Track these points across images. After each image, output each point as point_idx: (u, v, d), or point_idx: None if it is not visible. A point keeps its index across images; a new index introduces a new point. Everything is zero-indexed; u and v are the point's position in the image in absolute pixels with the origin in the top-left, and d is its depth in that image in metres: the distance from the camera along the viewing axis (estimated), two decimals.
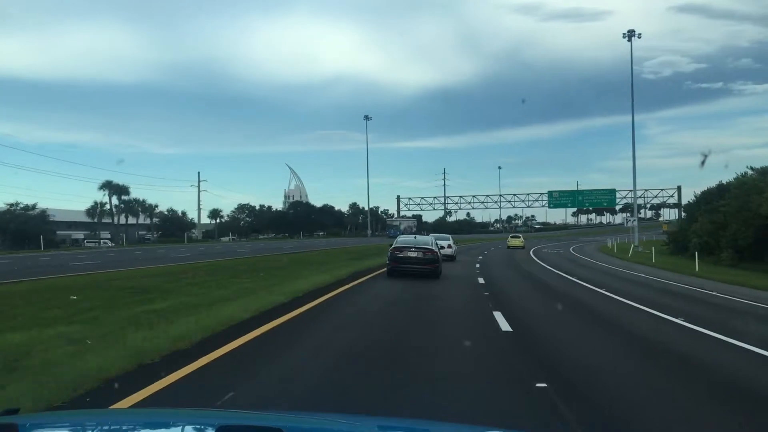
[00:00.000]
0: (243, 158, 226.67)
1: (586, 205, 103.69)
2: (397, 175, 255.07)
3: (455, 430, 2.54)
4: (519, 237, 65.79)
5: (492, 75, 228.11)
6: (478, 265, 32.51)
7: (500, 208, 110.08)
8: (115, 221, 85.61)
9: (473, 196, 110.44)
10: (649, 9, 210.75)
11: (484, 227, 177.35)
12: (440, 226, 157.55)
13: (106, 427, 2.05)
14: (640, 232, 65.24)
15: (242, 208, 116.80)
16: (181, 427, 2.02)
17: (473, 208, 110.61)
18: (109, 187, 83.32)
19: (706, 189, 49.91)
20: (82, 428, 2.04)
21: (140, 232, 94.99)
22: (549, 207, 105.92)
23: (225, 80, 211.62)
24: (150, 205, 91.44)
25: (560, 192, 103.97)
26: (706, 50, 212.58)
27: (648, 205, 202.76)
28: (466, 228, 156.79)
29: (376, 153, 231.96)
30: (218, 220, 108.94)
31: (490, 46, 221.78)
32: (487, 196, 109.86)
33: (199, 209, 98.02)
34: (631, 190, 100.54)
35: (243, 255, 39.30)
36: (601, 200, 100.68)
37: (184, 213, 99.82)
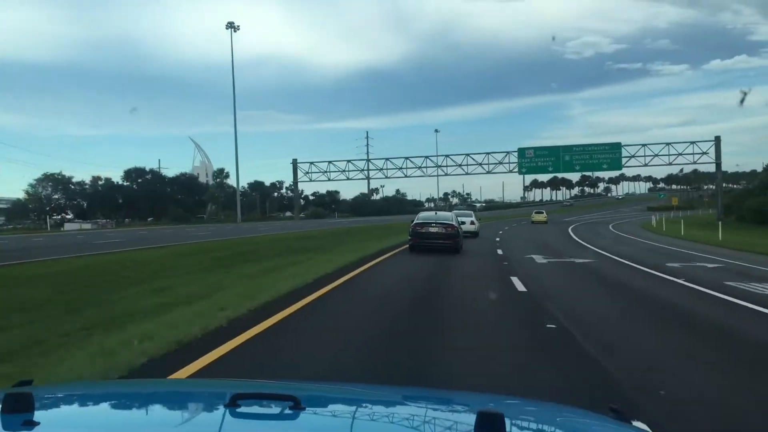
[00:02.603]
0: (162, 139, 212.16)
1: (577, 168, 69.10)
2: (328, 156, 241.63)
3: (477, 398, 2.35)
4: (543, 213, 68.26)
5: (421, 55, 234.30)
6: None
7: (444, 174, 73.73)
8: None
9: (406, 158, 73.66)
10: None
11: (417, 205, 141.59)
12: (362, 206, 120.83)
13: (119, 398, 2.02)
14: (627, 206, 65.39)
15: (47, 180, 74.53)
16: (195, 398, 2.01)
17: (406, 176, 72.47)
18: None
19: None
20: (95, 399, 2.00)
21: None
22: (521, 172, 70.54)
23: (145, 60, 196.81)
24: None
25: (537, 150, 68.71)
26: (626, 31, 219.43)
27: (605, 179, 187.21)
28: (396, 207, 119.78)
29: (305, 134, 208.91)
30: None
31: (419, 26, 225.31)
32: (426, 158, 73.45)
33: None
34: (642, 145, 66.94)
35: None
36: (600, 161, 66.13)
37: None
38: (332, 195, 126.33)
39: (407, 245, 21.92)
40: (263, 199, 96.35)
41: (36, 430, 1.40)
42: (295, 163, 75.31)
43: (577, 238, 32.20)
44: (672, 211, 77.54)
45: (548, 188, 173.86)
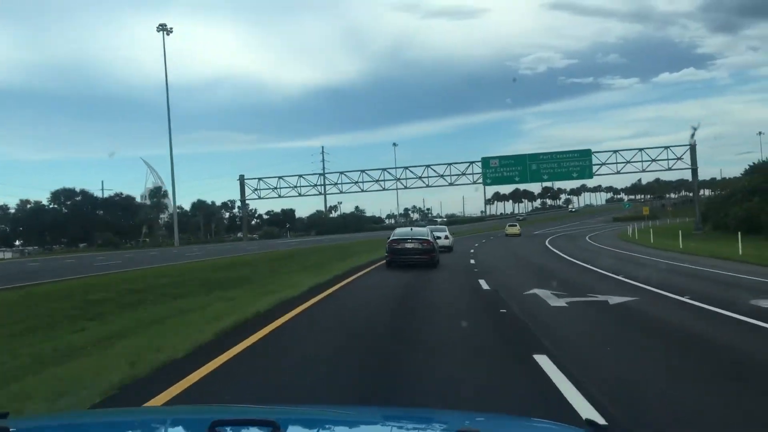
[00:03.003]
0: (118, 162, 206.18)
1: (545, 178, 64.51)
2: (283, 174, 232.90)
3: (455, 416, 2.34)
4: (516, 225, 69.73)
5: (377, 73, 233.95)
6: None
7: (404, 188, 68.28)
8: None
9: (362, 171, 67.86)
10: (523, 6, 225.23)
11: (377, 222, 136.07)
12: (318, 224, 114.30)
13: (97, 428, 2.01)
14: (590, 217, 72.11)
15: None
16: (174, 425, 2.01)
17: (362, 190, 66.87)
18: None
19: None
20: (73, 429, 2.00)
21: None
22: (486, 183, 65.62)
23: (99, 82, 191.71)
24: None
25: (502, 159, 63.97)
26: (577, 46, 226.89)
27: (567, 190, 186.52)
28: (354, 224, 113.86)
29: (261, 153, 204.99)
30: None
31: (374, 45, 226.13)
32: (384, 170, 67.85)
33: None
34: (614, 151, 62.79)
35: None
36: (570, 169, 61.69)
37: None
38: (287, 213, 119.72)
39: (366, 271, 19.60)
40: (207, 220, 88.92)
41: None
42: (242, 179, 68.85)
43: (572, 259, 26.16)
44: (642, 221, 73.74)
45: (510, 201, 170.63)
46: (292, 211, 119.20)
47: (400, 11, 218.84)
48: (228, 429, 1.62)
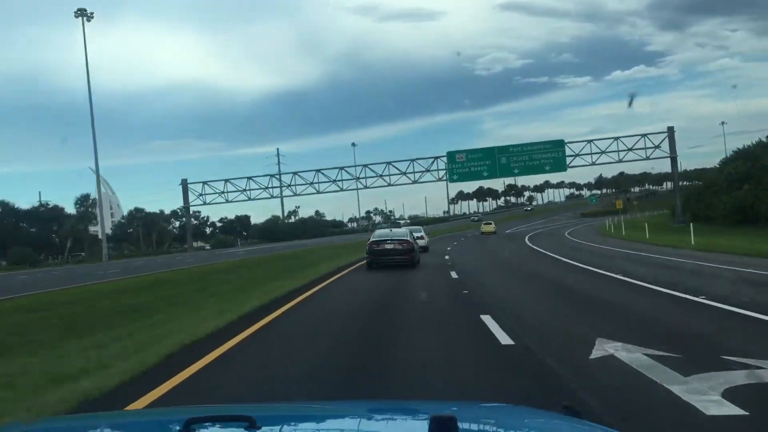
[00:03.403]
0: (67, 174, 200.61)
1: (516, 171, 59.50)
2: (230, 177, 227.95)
3: (431, 405, 2.29)
4: (491, 224, 68.01)
5: (335, 76, 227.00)
6: None
7: (364, 188, 62.54)
8: None
9: (318, 171, 61.80)
10: (477, 8, 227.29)
11: (337, 226, 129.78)
12: (274, 230, 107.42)
13: None
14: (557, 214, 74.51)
15: None
16: (148, 426, 1.99)
17: (318, 191, 60.92)
18: None
19: None
20: None
21: None
22: (452, 180, 60.55)
23: (53, 92, 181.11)
24: None
25: (469, 153, 58.97)
26: (531, 46, 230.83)
27: (530, 187, 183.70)
28: (313, 229, 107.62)
29: (220, 160, 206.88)
30: None
31: (332, 48, 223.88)
32: (342, 169, 61.86)
33: None
34: (588, 141, 58.35)
35: None
36: (542, 161, 56.98)
37: None
38: (242, 220, 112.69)
39: (322, 287, 16.54)
40: (148, 230, 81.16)
41: None
42: (184, 183, 62.16)
43: (593, 268, 18.90)
44: (615, 216, 69.89)
45: (475, 199, 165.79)
46: (247, 218, 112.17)
47: (357, 14, 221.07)
48: (204, 427, 1.59)
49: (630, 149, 56.36)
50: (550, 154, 57.00)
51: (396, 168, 60.71)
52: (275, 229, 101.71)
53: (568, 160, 57.36)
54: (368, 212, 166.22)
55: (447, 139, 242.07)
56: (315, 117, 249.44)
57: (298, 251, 44.67)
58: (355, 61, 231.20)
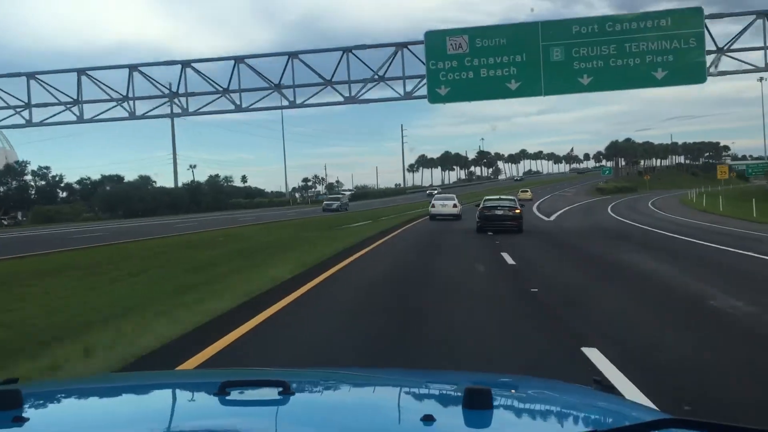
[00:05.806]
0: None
1: (586, 83, 26.15)
2: (192, 148, 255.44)
3: (465, 376, 2.45)
4: (528, 191, 68.75)
5: (290, 45, 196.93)
6: None
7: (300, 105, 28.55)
8: None
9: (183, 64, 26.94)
10: None
11: (252, 196, 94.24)
12: (133, 199, 70.83)
13: (108, 393, 2.04)
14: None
15: None
16: (184, 387, 2.03)
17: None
18: None
19: None
20: (84, 393, 2.02)
21: None
22: (434, 100, 26.18)
23: None
24: None
25: (476, 33, 24.96)
26: (488, 22, 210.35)
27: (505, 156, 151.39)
28: (209, 200, 72.32)
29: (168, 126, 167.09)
30: None
31: (287, 16, 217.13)
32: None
33: None
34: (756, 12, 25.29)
35: None
36: (654, 61, 23.58)
37: None
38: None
39: None
40: None
41: (26, 425, 1.39)
42: None
43: None
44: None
45: (438, 167, 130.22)
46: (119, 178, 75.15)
47: None
48: (238, 390, 1.62)
49: None
50: (673, 42, 23.95)
51: (336, 90, 26.29)
52: (134, 197, 65.45)
53: (710, 58, 24.39)
54: (306, 180, 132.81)
55: (404, 114, 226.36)
56: (267, 85, 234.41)
57: None
58: (311, 30, 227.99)
